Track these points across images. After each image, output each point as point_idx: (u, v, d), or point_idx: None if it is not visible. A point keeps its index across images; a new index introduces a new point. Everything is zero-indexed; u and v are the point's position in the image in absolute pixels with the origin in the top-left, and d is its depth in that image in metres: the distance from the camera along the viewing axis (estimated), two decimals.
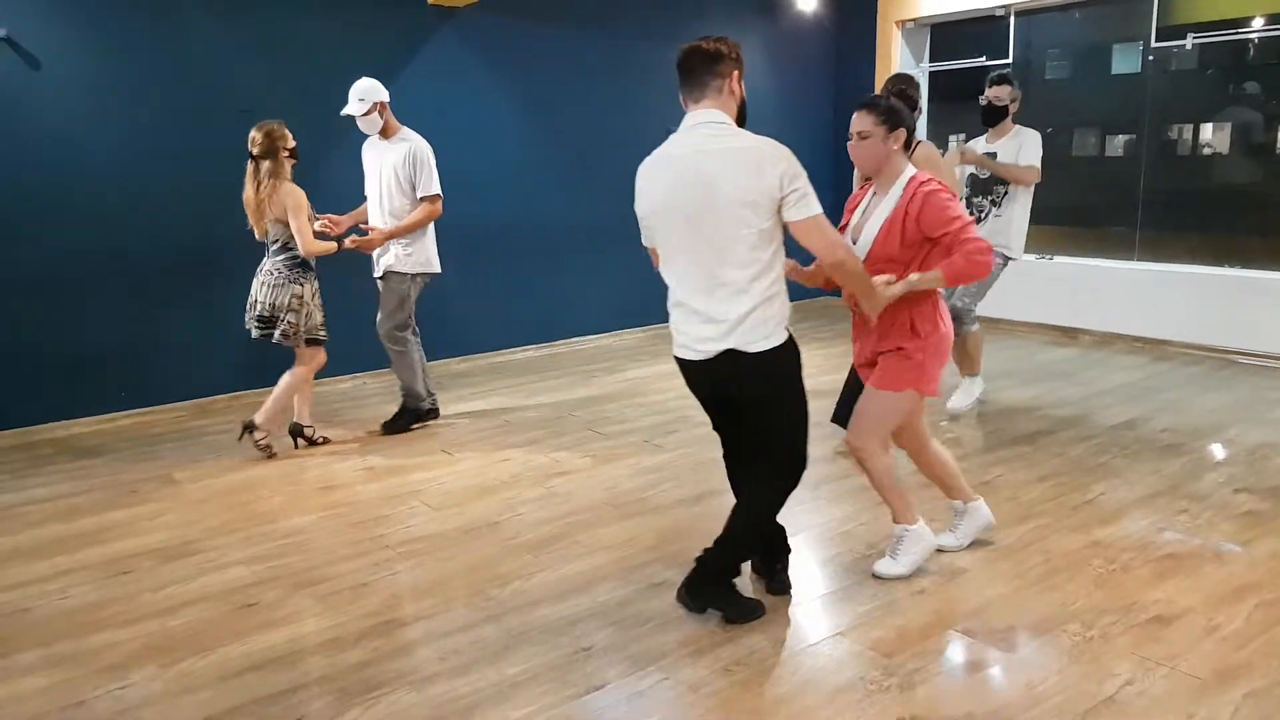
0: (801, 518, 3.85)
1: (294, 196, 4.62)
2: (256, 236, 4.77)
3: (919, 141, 4.60)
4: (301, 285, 4.74)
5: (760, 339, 2.81)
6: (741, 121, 2.89)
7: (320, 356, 4.92)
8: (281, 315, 4.71)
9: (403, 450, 4.93)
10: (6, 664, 2.93)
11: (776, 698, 2.61)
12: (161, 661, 2.92)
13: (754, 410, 2.95)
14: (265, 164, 4.59)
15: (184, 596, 3.36)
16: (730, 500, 3.21)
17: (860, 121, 3.13)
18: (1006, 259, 5.11)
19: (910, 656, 2.79)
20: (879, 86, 5.24)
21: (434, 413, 5.37)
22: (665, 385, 6.00)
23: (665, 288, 2.93)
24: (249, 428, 4.81)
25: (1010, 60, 7.70)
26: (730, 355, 2.81)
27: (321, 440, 5.04)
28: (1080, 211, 7.87)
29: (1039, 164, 5.01)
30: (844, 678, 2.69)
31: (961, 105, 7.67)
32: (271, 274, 4.73)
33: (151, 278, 5.60)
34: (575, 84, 7.02)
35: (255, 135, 4.60)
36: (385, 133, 5.00)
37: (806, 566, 3.43)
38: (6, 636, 3.11)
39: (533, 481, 4.38)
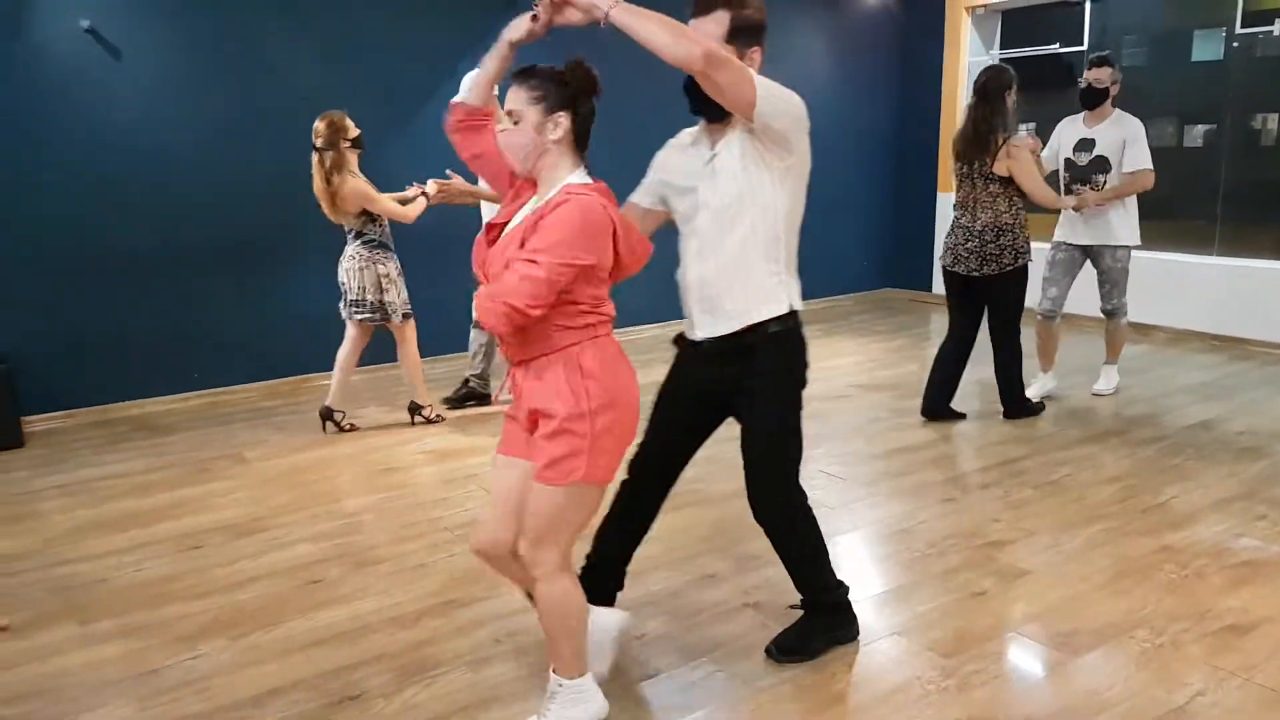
0: (859, 514, 3.82)
1: (359, 190, 4.68)
2: (334, 222, 4.87)
3: (1007, 136, 4.53)
4: (385, 265, 4.86)
5: None
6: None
7: (412, 331, 5.06)
8: (375, 297, 4.85)
9: (459, 435, 5.00)
10: (86, 631, 3.05)
11: (831, 695, 2.60)
12: (230, 634, 3.01)
13: None
14: (329, 155, 4.66)
15: (252, 571, 3.45)
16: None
17: (510, 97, 2.21)
18: (1131, 249, 5.10)
19: (970, 658, 2.75)
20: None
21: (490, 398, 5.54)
22: None
23: None
24: (414, 410, 5.11)
25: (1085, 47, 7.49)
26: None
27: (437, 418, 5.22)
28: (1156, 204, 7.59)
29: (1150, 163, 4.92)
30: (901, 677, 2.67)
31: (1033, 94, 7.48)
32: (354, 259, 4.84)
33: (224, 262, 5.75)
34: (647, 74, 7.00)
35: (318, 126, 4.68)
36: None
37: (862, 564, 3.40)
38: (86, 605, 3.23)
39: None
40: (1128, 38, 7.77)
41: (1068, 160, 5.11)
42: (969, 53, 8.02)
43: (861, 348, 6.77)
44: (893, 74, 8.53)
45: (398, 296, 4.92)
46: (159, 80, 5.47)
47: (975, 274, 4.69)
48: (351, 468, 4.54)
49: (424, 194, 4.73)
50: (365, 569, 3.44)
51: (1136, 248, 5.14)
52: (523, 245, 2.11)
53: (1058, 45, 7.66)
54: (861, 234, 8.60)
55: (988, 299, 4.80)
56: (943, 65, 8.09)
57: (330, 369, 5.10)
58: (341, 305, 4.96)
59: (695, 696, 2.60)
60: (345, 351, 5.02)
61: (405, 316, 4.97)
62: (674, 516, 3.83)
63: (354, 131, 4.73)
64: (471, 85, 2.43)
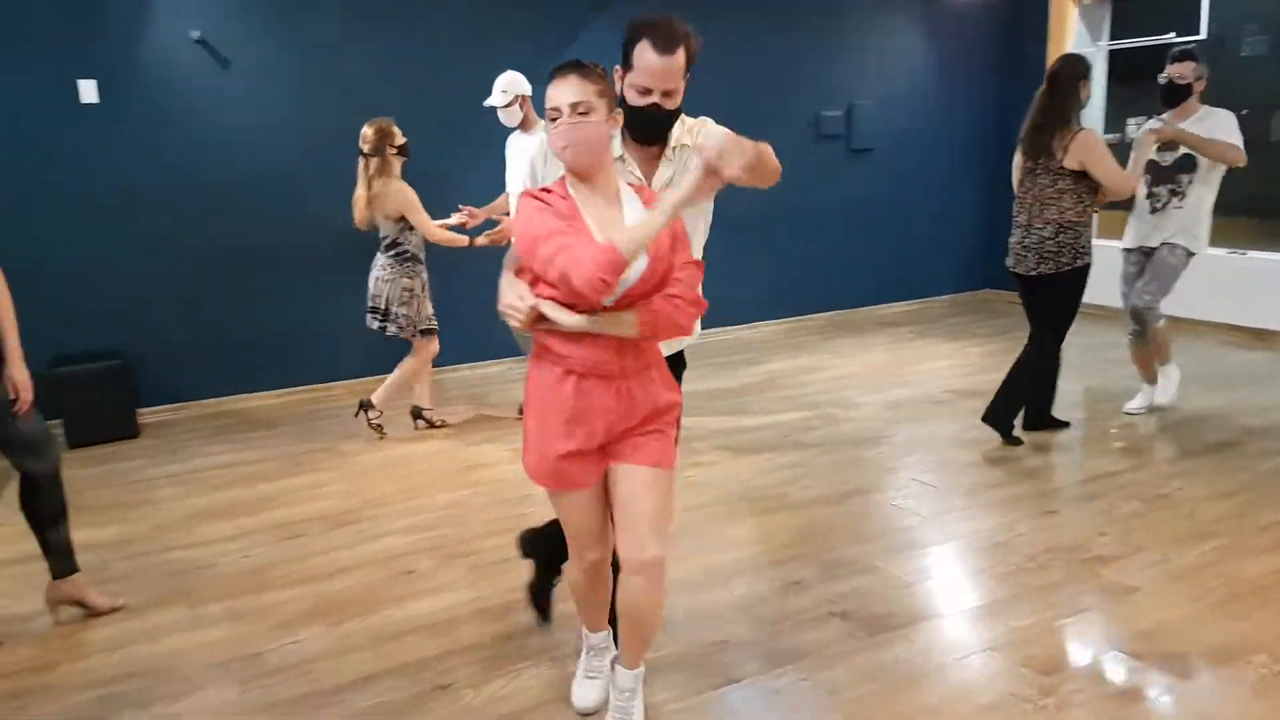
0: (953, 525, 3.72)
1: (405, 194, 4.75)
2: (361, 229, 4.93)
3: (1080, 129, 4.34)
4: (411, 279, 4.91)
5: None
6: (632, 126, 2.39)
7: (433, 346, 5.06)
8: (394, 309, 4.89)
9: None
10: (195, 614, 3.19)
11: (920, 708, 2.54)
12: (328, 621, 3.10)
13: None
14: (374, 161, 4.74)
15: (348, 561, 3.56)
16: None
17: (578, 89, 2.09)
18: (1189, 253, 4.76)
19: (1069, 677, 2.66)
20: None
21: None
22: (806, 379, 5.91)
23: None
24: (365, 405, 5.06)
25: (1204, 35, 7.14)
26: None
27: (440, 423, 5.22)
28: (1277, 203, 7.24)
29: (1240, 144, 4.62)
30: (994, 694, 2.59)
31: (1145, 87, 7.18)
32: (383, 269, 4.90)
33: (324, 265, 5.92)
34: (732, 73, 6.97)
35: (366, 132, 4.76)
36: (525, 126, 5.03)
37: (955, 577, 3.32)
38: (197, 589, 3.38)
39: None
40: (1249, 26, 7.38)
41: (1150, 162, 4.82)
42: (1075, 44, 7.72)
43: (958, 351, 6.60)
44: (993, 68, 8.28)
45: (419, 312, 4.94)
46: (264, 88, 5.67)
47: (1033, 273, 4.48)
48: (441, 464, 4.63)
49: (472, 241, 4.87)
50: (454, 561, 3.51)
51: (1193, 254, 4.77)
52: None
53: (1173, 35, 7.32)
54: (958, 233, 8.38)
55: (1042, 299, 4.56)
56: (1046, 59, 7.82)
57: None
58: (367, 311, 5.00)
59: (778, 704, 2.57)
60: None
61: (426, 333, 5.00)
62: (759, 521, 3.81)
63: (400, 139, 4.81)
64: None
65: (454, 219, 5.02)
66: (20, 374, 2.94)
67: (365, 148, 4.76)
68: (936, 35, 7.95)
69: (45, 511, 3.10)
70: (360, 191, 4.83)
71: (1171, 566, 3.29)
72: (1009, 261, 4.63)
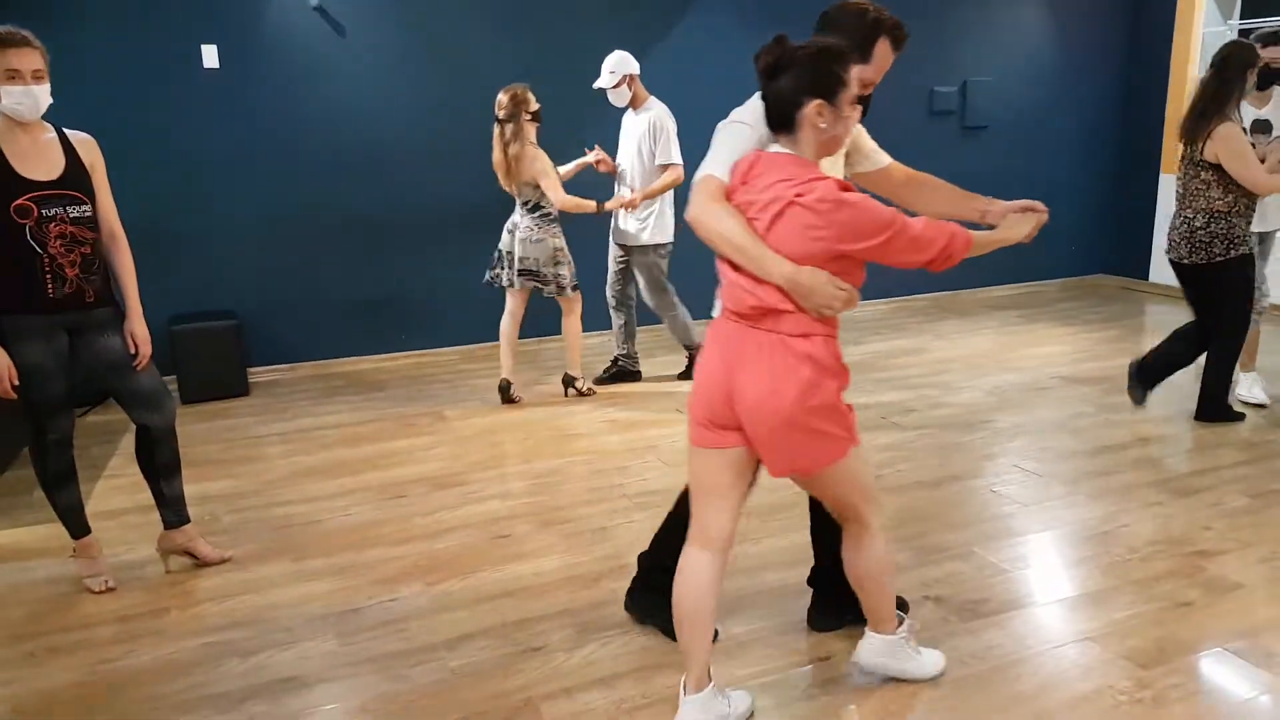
0: (1055, 513, 3.64)
1: (540, 162, 4.84)
2: (507, 191, 5.07)
3: (1224, 121, 4.14)
4: (557, 238, 5.03)
5: None
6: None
7: (577, 301, 5.22)
8: (546, 270, 5.01)
9: (640, 406, 5.10)
10: (299, 568, 3.34)
11: (1013, 696, 2.51)
12: (427, 580, 3.21)
13: None
14: (509, 127, 4.82)
15: (449, 523, 3.67)
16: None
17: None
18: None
19: (1169, 671, 2.59)
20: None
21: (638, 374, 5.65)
22: (906, 361, 5.82)
23: None
24: (569, 383, 5.28)
25: None
26: None
27: (589, 390, 5.36)
28: None
29: None
30: (1091, 685, 2.54)
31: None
32: (529, 230, 4.99)
33: (431, 231, 6.08)
34: None
35: (501, 98, 4.83)
36: (634, 104, 5.15)
37: (1054, 566, 3.25)
38: (301, 544, 3.53)
39: None
40: None
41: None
42: (1204, 23, 7.37)
43: (1068, 337, 6.41)
44: (1118, 45, 7.96)
45: (569, 270, 5.07)
46: (378, 55, 5.81)
47: (1185, 261, 4.34)
48: (540, 431, 4.73)
49: (600, 207, 5.00)
50: (551, 528, 3.59)
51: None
52: None
53: None
54: (1073, 215, 8.09)
55: (1200, 290, 4.43)
56: (1173, 36, 7.48)
57: (524, 336, 5.34)
58: (500, 272, 5.12)
59: (872, 684, 2.57)
60: (508, 325, 5.20)
61: (575, 289, 5.13)
62: None
63: (535, 105, 4.87)
64: None
65: (589, 156, 5.20)
66: (140, 329, 3.08)
67: (500, 113, 4.85)
68: (1058, 9, 7.66)
69: (159, 464, 3.24)
70: (498, 156, 4.93)
71: (1278, 564, 3.17)
72: (1166, 247, 4.50)
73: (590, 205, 4.98)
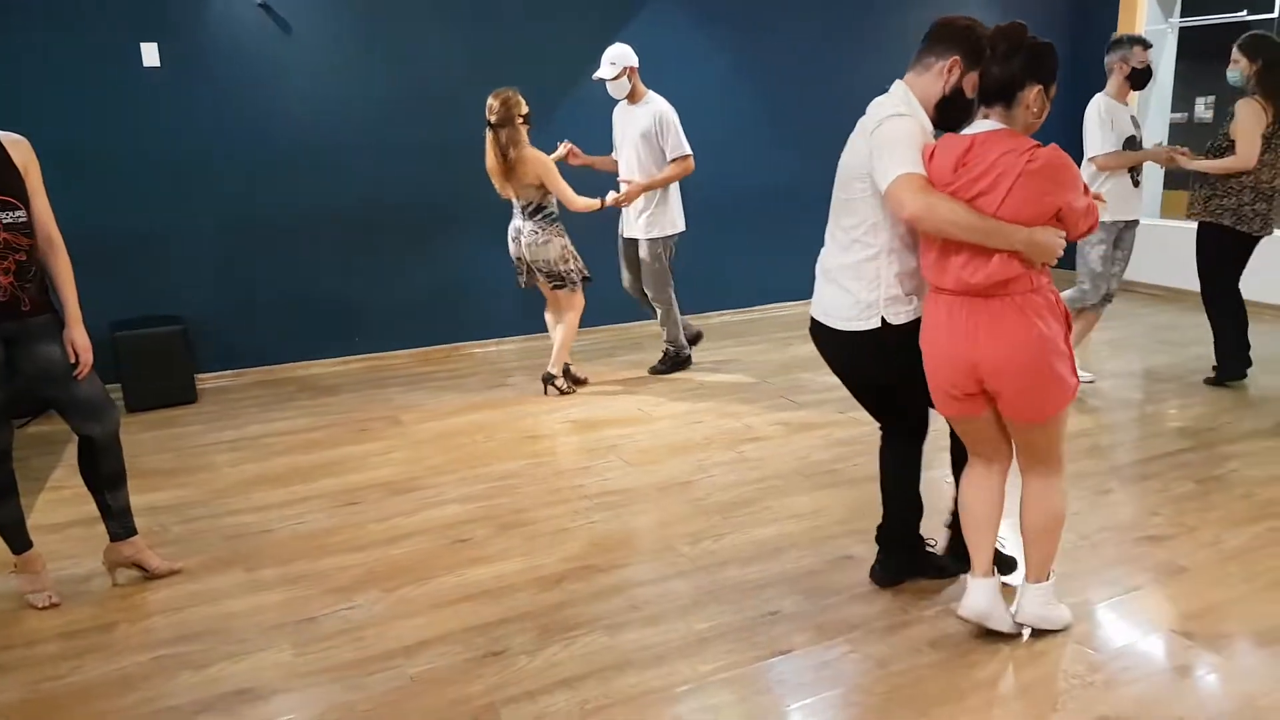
0: (1009, 502, 3.68)
1: (542, 163, 4.87)
2: (503, 198, 5.06)
3: (1244, 96, 4.59)
4: (562, 236, 5.07)
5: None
6: (951, 117, 2.68)
7: (581, 298, 5.26)
8: (561, 268, 5.06)
9: (602, 406, 5.09)
10: (252, 578, 3.28)
11: (971, 682, 2.54)
12: (383, 587, 3.17)
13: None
14: (504, 131, 4.81)
15: (405, 528, 3.63)
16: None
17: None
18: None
19: (1120, 654, 2.65)
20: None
21: (689, 360, 5.73)
22: None
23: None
24: (549, 380, 5.25)
25: (1277, 14, 6.92)
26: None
27: (569, 390, 5.33)
28: None
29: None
30: (1045, 669, 2.59)
31: (1215, 68, 6.99)
32: (535, 234, 5.01)
33: (384, 233, 6.01)
34: (794, 46, 6.91)
35: (493, 103, 4.81)
36: (632, 97, 5.18)
37: (1010, 554, 3.30)
38: (253, 553, 3.47)
39: (725, 445, 4.42)
40: None
41: (1130, 139, 4.86)
42: (1146, 20, 7.53)
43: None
44: (1062, 42, 8.07)
45: (576, 265, 5.12)
46: (326, 53, 5.73)
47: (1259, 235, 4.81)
48: (499, 433, 4.70)
49: (603, 203, 5.06)
50: (511, 531, 3.57)
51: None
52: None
53: (1245, 13, 7.10)
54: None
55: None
56: (1115, 33, 7.63)
57: (481, 337, 5.29)
58: (522, 277, 5.21)
59: (829, 676, 2.59)
60: (550, 319, 5.35)
61: (579, 283, 5.17)
62: (813, 496, 3.82)
63: (525, 107, 4.87)
64: None
65: (560, 150, 5.22)
66: (81, 337, 2.99)
67: (493, 119, 4.82)
68: (1005, 8, 7.77)
69: (104, 475, 3.15)
70: (492, 162, 4.91)
71: (1225, 548, 3.25)
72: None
73: (596, 204, 5.04)
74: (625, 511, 3.71)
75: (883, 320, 2.69)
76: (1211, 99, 6.83)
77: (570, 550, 3.39)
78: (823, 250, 2.91)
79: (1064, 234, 2.41)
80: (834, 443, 4.40)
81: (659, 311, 5.54)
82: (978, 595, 2.69)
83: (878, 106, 2.67)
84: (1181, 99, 7.58)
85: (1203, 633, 2.74)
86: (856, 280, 2.72)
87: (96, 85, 5.25)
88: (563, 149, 5.28)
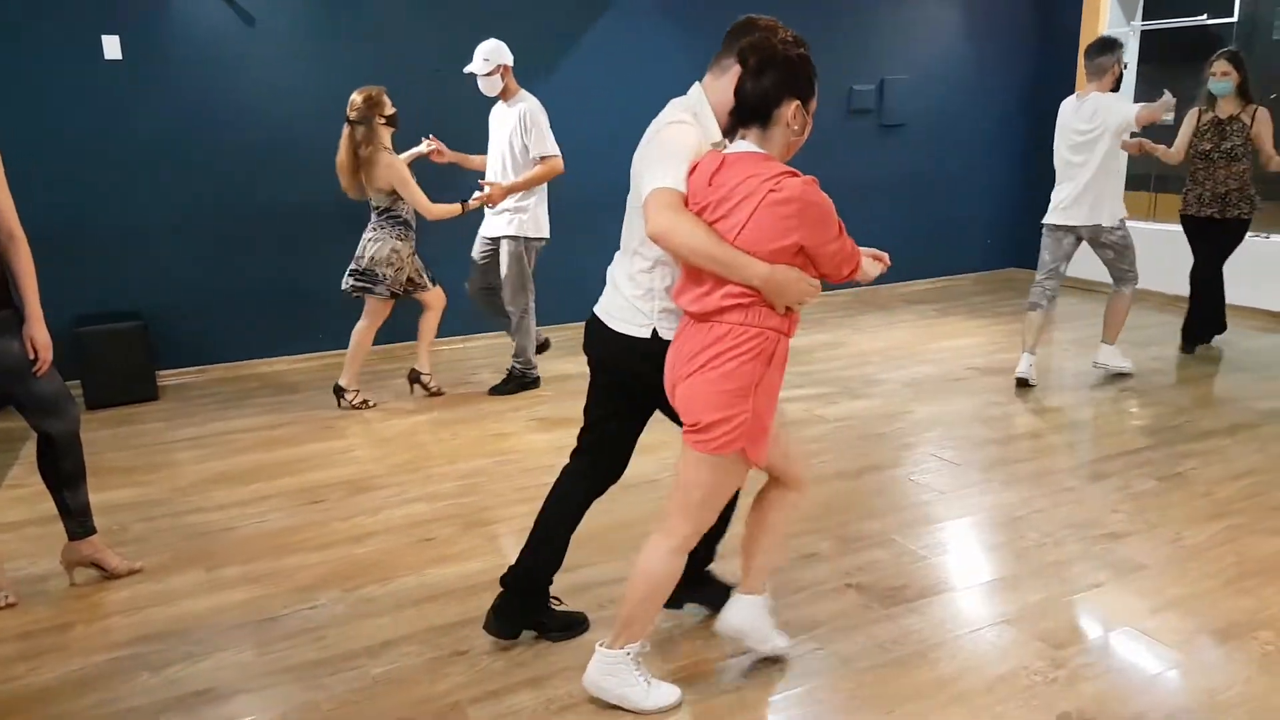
0: (970, 500, 3.73)
1: (396, 170, 4.65)
2: (351, 197, 4.89)
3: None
4: (401, 241, 4.84)
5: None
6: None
7: (387, 309, 5.00)
8: (379, 269, 4.83)
9: (570, 404, 5.07)
10: (213, 577, 3.23)
11: (934, 680, 2.56)
12: (346, 586, 3.14)
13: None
14: (360, 129, 4.64)
15: (369, 527, 3.60)
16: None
17: None
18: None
19: (1081, 651, 2.68)
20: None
21: (538, 381, 5.39)
22: (827, 355, 5.91)
23: None
24: (339, 391, 5.06)
25: (1235, 19, 7.04)
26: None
27: (437, 390, 5.25)
28: None
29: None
30: (1007, 666, 2.61)
31: (1176, 69, 7.11)
32: (374, 230, 4.84)
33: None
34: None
35: (355, 99, 4.64)
36: (505, 95, 4.98)
37: (972, 551, 3.33)
38: (214, 552, 3.42)
39: None
40: None
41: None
42: (1109, 22, 7.63)
43: (981, 329, 6.57)
44: (1027, 45, 8.19)
45: (397, 275, 4.87)
46: (289, 45, 5.66)
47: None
48: (465, 432, 4.67)
49: (464, 207, 4.81)
50: (475, 530, 3.55)
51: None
52: None
53: (1205, 17, 7.22)
54: (986, 210, 8.32)
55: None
56: (1080, 35, 7.73)
57: (446, 335, 5.24)
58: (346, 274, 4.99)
59: (794, 673, 2.60)
60: (426, 321, 5.15)
61: (392, 297, 4.93)
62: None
63: (390, 109, 4.71)
64: None
65: (422, 147, 5.04)
66: (40, 334, 2.94)
67: (352, 115, 4.65)
68: (970, 10, 7.86)
69: (63, 473, 3.10)
70: (342, 158, 4.73)
71: (1184, 544, 3.30)
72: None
73: (456, 209, 4.80)
74: (591, 511, 3.68)
75: (654, 332, 2.45)
76: (1174, 101, 6.91)
77: None
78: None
79: (814, 280, 2.20)
80: (800, 441, 4.41)
81: (512, 320, 5.19)
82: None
83: (668, 109, 2.47)
84: (1145, 100, 7.68)
85: (1163, 629, 2.78)
86: (633, 288, 2.48)
87: (57, 78, 5.15)
88: (425, 145, 5.09)
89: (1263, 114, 5.37)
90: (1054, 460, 4.13)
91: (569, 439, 4.53)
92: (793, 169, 2.18)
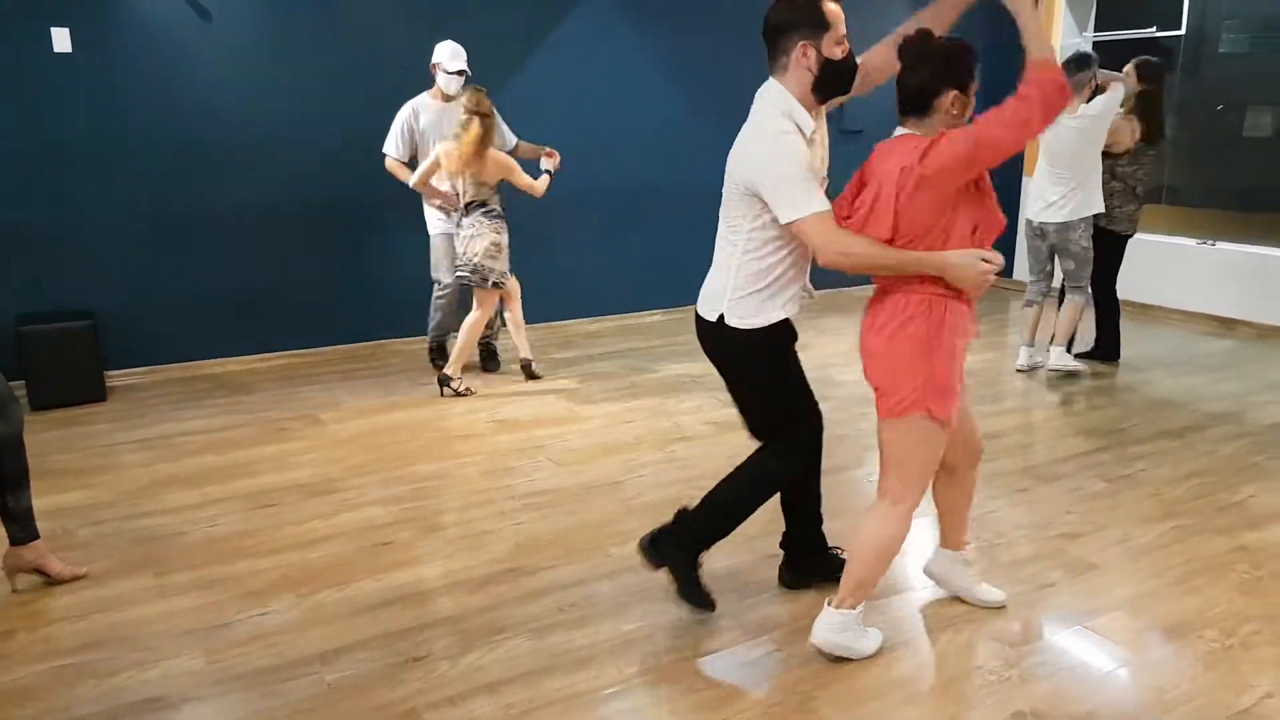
0: (926, 502, 3.75)
1: (505, 162, 4.98)
2: (449, 183, 5.07)
3: None
4: (498, 234, 5.06)
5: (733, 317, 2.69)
6: (835, 87, 2.65)
7: (494, 300, 5.24)
8: (485, 264, 5.04)
9: (532, 407, 5.04)
10: (162, 583, 3.17)
11: (892, 679, 2.58)
12: (299, 591, 3.09)
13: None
14: (489, 123, 4.87)
15: (323, 531, 3.54)
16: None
17: None
18: None
19: (1034, 650, 2.72)
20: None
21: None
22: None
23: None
24: (444, 381, 5.16)
25: (1183, 31, 7.20)
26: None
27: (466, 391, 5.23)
28: (1250, 195, 7.34)
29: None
30: (963, 665, 2.64)
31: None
32: (472, 226, 5.02)
33: (305, 226, 5.86)
34: (720, 45, 6.94)
35: (480, 97, 4.87)
36: (447, 97, 5.32)
37: (928, 553, 3.35)
38: (163, 558, 3.35)
39: (655, 445, 4.42)
40: (1229, 22, 7.45)
41: None
42: (1062, 35, 7.76)
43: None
44: (979, 52, 8.28)
45: (498, 264, 5.08)
46: (247, 40, 5.56)
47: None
48: (424, 433, 4.62)
49: (547, 172, 5.18)
50: (434, 533, 3.51)
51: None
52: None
53: (1154, 29, 7.37)
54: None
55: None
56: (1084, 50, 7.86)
57: (407, 334, 5.23)
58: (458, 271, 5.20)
59: (754, 674, 2.61)
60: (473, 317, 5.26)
61: (496, 285, 5.11)
62: None
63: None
64: None
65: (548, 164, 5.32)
66: None
67: (484, 109, 4.85)
68: (911, 15, 7.94)
69: (5, 475, 3.00)
70: (466, 149, 4.86)
71: (1134, 544, 3.36)
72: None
73: (546, 180, 5.18)
74: (553, 513, 3.68)
75: (720, 317, 2.67)
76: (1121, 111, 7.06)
77: (496, 552, 3.34)
78: None
79: (988, 255, 2.35)
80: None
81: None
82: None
83: (766, 114, 2.60)
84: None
85: (1113, 627, 2.83)
86: (721, 270, 2.71)
87: (5, 71, 5.02)
88: (550, 163, 5.33)
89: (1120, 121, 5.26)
90: (1009, 462, 4.19)
91: (530, 441, 4.54)
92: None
